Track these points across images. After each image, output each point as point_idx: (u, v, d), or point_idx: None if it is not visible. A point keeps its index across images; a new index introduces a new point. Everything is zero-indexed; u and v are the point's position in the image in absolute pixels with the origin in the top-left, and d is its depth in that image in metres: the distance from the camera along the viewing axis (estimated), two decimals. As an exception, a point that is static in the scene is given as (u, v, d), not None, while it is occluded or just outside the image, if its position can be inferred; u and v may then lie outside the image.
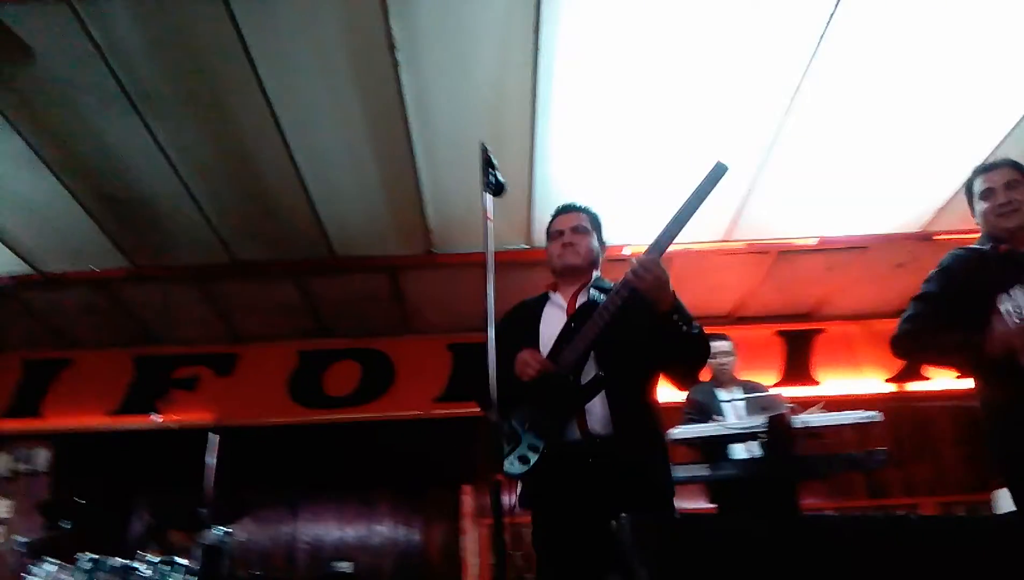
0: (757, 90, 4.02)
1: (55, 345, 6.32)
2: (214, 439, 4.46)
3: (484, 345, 2.14)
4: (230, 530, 4.37)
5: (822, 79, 3.93)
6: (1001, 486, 4.69)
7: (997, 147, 4.40)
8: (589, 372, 2.27)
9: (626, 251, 5.16)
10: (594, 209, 2.65)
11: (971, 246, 2.63)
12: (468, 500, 5.83)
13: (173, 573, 3.83)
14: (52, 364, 6.39)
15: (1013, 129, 4.31)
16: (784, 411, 3.62)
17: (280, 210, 4.78)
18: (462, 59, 3.77)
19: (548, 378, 2.25)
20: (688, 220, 2.20)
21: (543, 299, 2.59)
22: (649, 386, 2.40)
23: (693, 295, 6.11)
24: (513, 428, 2.31)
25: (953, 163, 4.54)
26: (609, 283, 2.47)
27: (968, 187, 2.73)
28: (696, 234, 5.03)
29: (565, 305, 2.50)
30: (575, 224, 2.56)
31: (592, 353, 2.28)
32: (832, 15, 3.58)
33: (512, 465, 2.27)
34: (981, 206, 2.63)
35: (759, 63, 3.86)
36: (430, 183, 4.58)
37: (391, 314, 6.11)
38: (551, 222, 2.65)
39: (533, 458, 2.24)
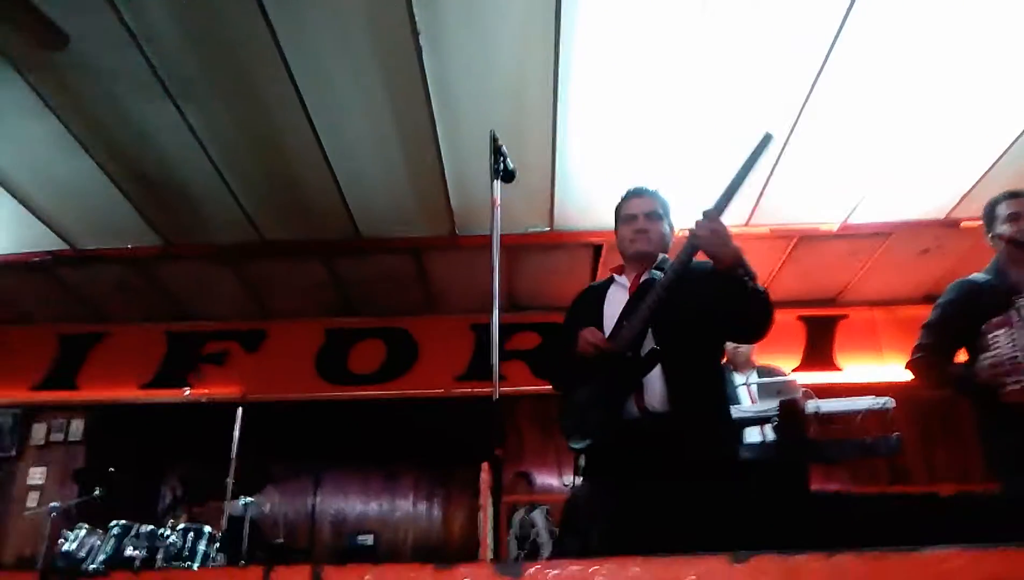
0: (778, 75, 4.01)
1: (90, 320, 6.52)
2: (241, 413, 4.60)
3: (560, 329, 2.37)
4: (255, 500, 4.52)
5: (844, 64, 3.92)
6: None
7: (1022, 134, 4.36)
8: (647, 348, 2.29)
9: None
10: (664, 194, 2.63)
11: (973, 278, 2.74)
12: (486, 478, 5.93)
13: (199, 540, 3.97)
14: (87, 338, 6.59)
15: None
16: (797, 396, 3.65)
17: (308, 193, 4.89)
18: (484, 44, 3.81)
19: (607, 356, 2.29)
20: (739, 188, 2.23)
21: (609, 282, 2.62)
22: (709, 359, 2.43)
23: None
24: (576, 404, 2.38)
25: (978, 150, 4.53)
26: (671, 262, 2.45)
27: (992, 207, 2.79)
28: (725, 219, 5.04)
29: (628, 285, 2.52)
30: (649, 209, 2.54)
31: (650, 329, 2.30)
32: (853, 2, 3.57)
33: (575, 440, 2.35)
34: (1004, 229, 2.71)
35: (780, 47, 3.85)
36: (453, 166, 4.65)
37: (415, 294, 6.21)
38: (621, 205, 2.63)
39: (594, 434, 2.30)
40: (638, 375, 2.27)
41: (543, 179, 4.75)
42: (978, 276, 2.77)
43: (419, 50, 3.80)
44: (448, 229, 5.29)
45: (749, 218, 5.17)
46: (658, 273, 2.43)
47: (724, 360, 4.37)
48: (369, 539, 5.51)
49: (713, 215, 2.20)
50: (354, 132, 4.40)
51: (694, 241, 2.22)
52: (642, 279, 2.48)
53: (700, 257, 2.27)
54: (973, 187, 4.77)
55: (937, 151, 4.55)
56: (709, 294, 2.26)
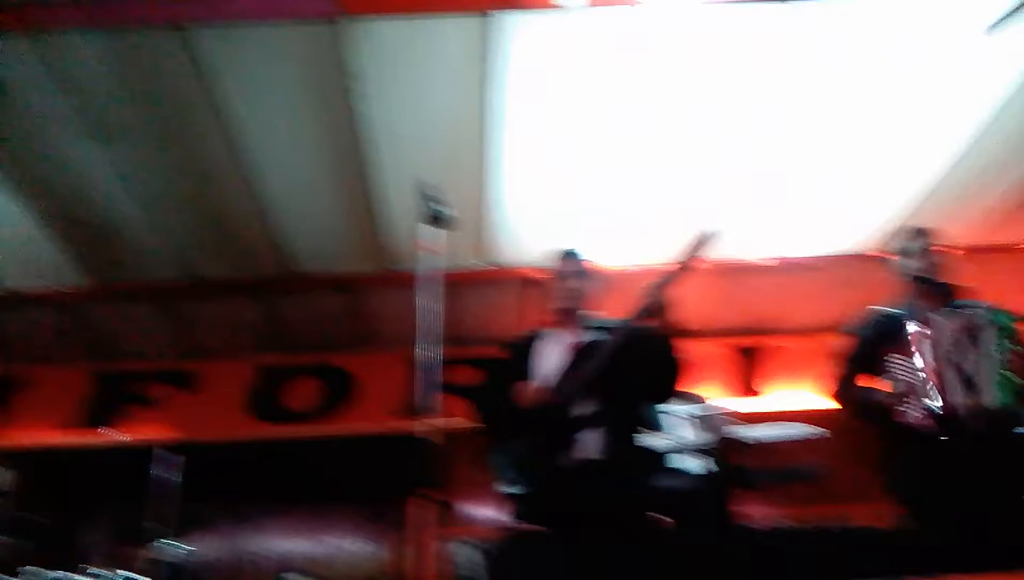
0: (705, 122, 4.18)
1: (14, 361, 6.27)
2: (170, 455, 4.50)
3: (496, 378, 2.66)
4: (186, 545, 4.39)
5: (775, 110, 4.12)
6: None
7: (943, 179, 4.62)
8: (586, 405, 2.53)
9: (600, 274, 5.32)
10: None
11: (886, 309, 3.00)
12: (425, 515, 5.87)
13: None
14: (10, 381, 6.34)
15: (959, 161, 4.52)
16: (727, 425, 3.76)
17: (238, 231, 4.86)
18: (415, 85, 3.88)
19: (548, 408, 2.53)
20: (685, 269, 2.47)
21: (539, 336, 2.83)
22: (640, 414, 2.75)
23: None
24: (515, 451, 2.59)
25: (900, 191, 4.79)
26: (604, 321, 2.74)
27: (903, 244, 3.05)
28: (654, 255, 5.17)
29: (566, 343, 2.72)
30: (572, 270, 2.82)
31: (590, 388, 2.53)
32: (777, 50, 3.76)
33: (510, 485, 2.57)
34: (913, 264, 2.95)
35: (711, 88, 4.01)
36: (385, 202, 4.67)
37: (349, 330, 6.16)
38: (553, 267, 2.88)
39: (530, 480, 2.53)
40: (579, 430, 2.51)
41: (473, 216, 4.80)
42: (892, 308, 2.97)
43: (350, 92, 3.84)
44: (381, 265, 5.28)
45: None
46: (594, 332, 2.67)
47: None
48: (303, 580, 5.39)
49: (660, 290, 2.45)
50: (285, 171, 4.41)
51: (643, 309, 2.47)
52: (579, 338, 2.70)
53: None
54: (895, 223, 4.99)
55: (863, 190, 4.79)
56: (644, 360, 2.53)
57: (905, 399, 2.71)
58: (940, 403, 2.64)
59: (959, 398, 2.64)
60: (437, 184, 4.20)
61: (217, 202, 4.59)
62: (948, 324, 2.74)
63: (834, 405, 6.43)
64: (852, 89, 4.02)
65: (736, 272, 5.59)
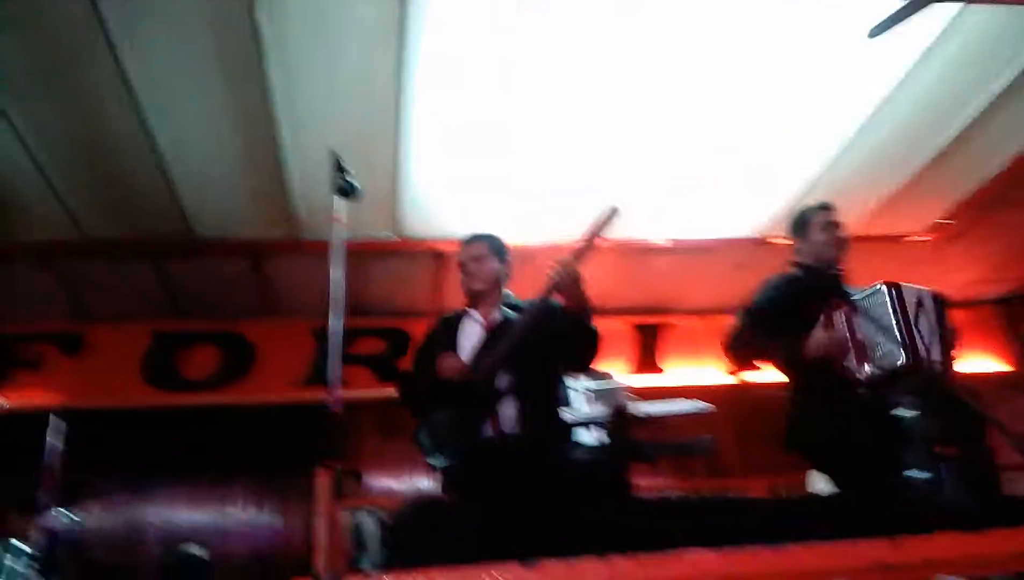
0: (613, 102, 4.27)
1: None
2: (57, 421, 4.34)
3: (419, 357, 2.80)
4: (74, 514, 4.27)
5: (670, 98, 4.25)
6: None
7: (826, 170, 4.88)
8: (503, 380, 2.66)
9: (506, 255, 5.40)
10: (496, 235, 3.03)
11: (792, 273, 3.17)
12: (323, 485, 5.86)
13: (10, 556, 3.74)
14: None
15: (843, 153, 4.78)
16: (623, 400, 3.91)
17: (137, 191, 4.65)
18: (329, 53, 3.80)
19: (467, 383, 2.65)
20: (591, 246, 2.58)
21: (461, 315, 2.96)
22: (553, 386, 2.88)
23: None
24: (436, 425, 2.69)
25: (787, 179, 5.03)
26: (518, 300, 2.88)
27: (804, 218, 3.22)
28: (564, 234, 5.28)
29: (482, 321, 2.88)
30: (475, 253, 2.93)
31: (506, 363, 2.64)
32: (676, 39, 3.87)
33: (434, 458, 2.68)
34: (821, 236, 3.13)
35: (614, 76, 4.09)
36: (296, 170, 4.57)
37: (252, 297, 6.04)
38: (459, 253, 3.01)
39: (451, 453, 2.65)
40: (496, 404, 2.64)
41: (387, 187, 4.77)
42: (798, 271, 3.19)
43: (261, 56, 3.74)
44: (289, 232, 5.19)
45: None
46: (509, 312, 2.82)
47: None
48: (199, 551, 5.29)
49: (571, 264, 2.54)
50: (190, 133, 4.25)
51: (553, 285, 2.56)
52: (495, 317, 2.85)
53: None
54: (783, 210, 5.25)
55: (754, 178, 5.01)
56: (557, 333, 2.65)
57: (846, 354, 2.82)
58: (902, 360, 2.74)
59: (923, 356, 2.77)
60: (348, 155, 4.22)
61: (115, 161, 4.39)
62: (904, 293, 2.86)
63: (731, 381, 6.77)
64: (746, 80, 4.18)
65: (636, 252, 5.77)
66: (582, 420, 4.05)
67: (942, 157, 4.90)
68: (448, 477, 2.76)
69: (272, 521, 5.98)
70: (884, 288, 2.86)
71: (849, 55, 3.95)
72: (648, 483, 6.10)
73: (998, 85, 4.32)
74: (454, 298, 3.22)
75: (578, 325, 2.64)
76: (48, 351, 6.07)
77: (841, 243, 3.17)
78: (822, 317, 2.88)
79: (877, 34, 3.02)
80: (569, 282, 2.55)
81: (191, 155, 4.43)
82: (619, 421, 3.82)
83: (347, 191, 2.19)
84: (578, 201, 4.94)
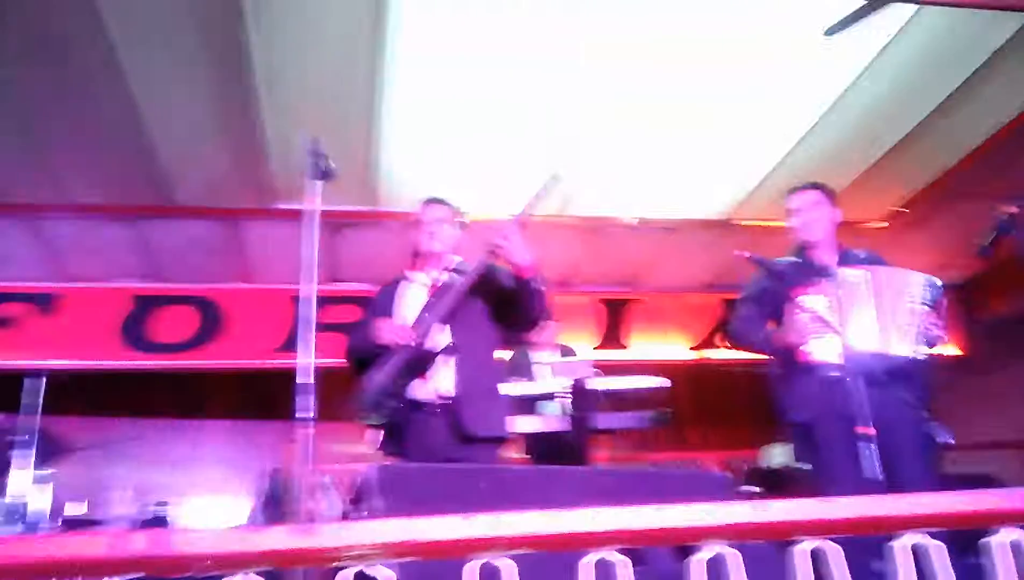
0: (582, 83, 4.40)
1: None
2: (33, 381, 4.43)
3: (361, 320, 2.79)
4: (49, 471, 4.38)
5: (640, 81, 4.37)
6: (770, 442, 5.47)
7: (789, 152, 5.05)
8: (443, 341, 2.69)
9: (464, 219, 5.49)
10: (453, 201, 3.05)
11: (779, 259, 3.13)
12: (297, 447, 6.00)
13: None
14: None
15: (804, 137, 4.95)
16: (586, 374, 4.08)
17: (118, 155, 4.72)
18: (310, 20, 3.86)
19: (407, 344, 2.64)
20: (532, 212, 2.68)
21: (399, 280, 2.98)
22: (493, 350, 2.89)
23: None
24: (374, 385, 2.70)
25: (751, 163, 5.19)
26: (462, 263, 2.90)
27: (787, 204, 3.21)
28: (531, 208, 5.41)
29: (428, 283, 2.89)
30: (437, 215, 2.95)
31: (446, 324, 2.69)
32: (648, 24, 3.99)
33: (369, 417, 2.72)
34: (790, 222, 3.15)
35: (584, 59, 4.22)
36: (275, 138, 4.64)
37: (230, 263, 6.13)
38: (418, 213, 3.01)
39: (390, 412, 2.67)
40: (434, 364, 2.68)
41: (365, 158, 4.87)
42: (783, 259, 3.17)
43: (244, 29, 3.81)
44: (267, 200, 5.28)
45: (560, 209, 5.56)
46: (455, 275, 2.81)
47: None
48: (170, 510, 5.42)
49: (513, 227, 2.59)
50: (171, 98, 4.31)
51: (495, 248, 2.60)
52: (439, 280, 2.85)
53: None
54: (748, 194, 5.44)
55: (719, 161, 5.16)
56: (499, 295, 2.71)
57: (808, 334, 2.86)
58: (842, 348, 2.73)
59: (868, 344, 2.78)
60: (325, 122, 4.30)
61: (95, 124, 4.44)
62: (875, 275, 2.90)
63: (694, 357, 6.97)
64: (711, 67, 4.31)
65: (604, 229, 5.93)
66: (544, 393, 4.23)
67: (900, 148, 5.09)
68: (386, 437, 2.78)
69: (244, 482, 6.11)
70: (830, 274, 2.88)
71: (811, 47, 4.08)
72: (610, 455, 6.33)
73: (954, 82, 4.49)
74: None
75: (523, 284, 2.66)
76: (24, 309, 6.13)
77: (810, 226, 3.12)
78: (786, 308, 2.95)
79: (834, 33, 3.15)
80: (511, 246, 2.59)
81: (169, 119, 4.48)
82: (580, 395, 3.99)
83: (324, 174, 2.30)
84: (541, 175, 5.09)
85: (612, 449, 6.29)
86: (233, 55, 4.00)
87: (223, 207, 5.35)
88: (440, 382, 2.69)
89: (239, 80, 4.16)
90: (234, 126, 4.55)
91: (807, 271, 2.98)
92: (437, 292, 2.81)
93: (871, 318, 2.84)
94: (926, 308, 2.93)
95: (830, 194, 3.18)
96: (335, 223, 5.49)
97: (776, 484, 5.08)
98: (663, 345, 6.99)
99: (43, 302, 6.17)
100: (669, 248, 6.26)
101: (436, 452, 2.59)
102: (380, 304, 2.94)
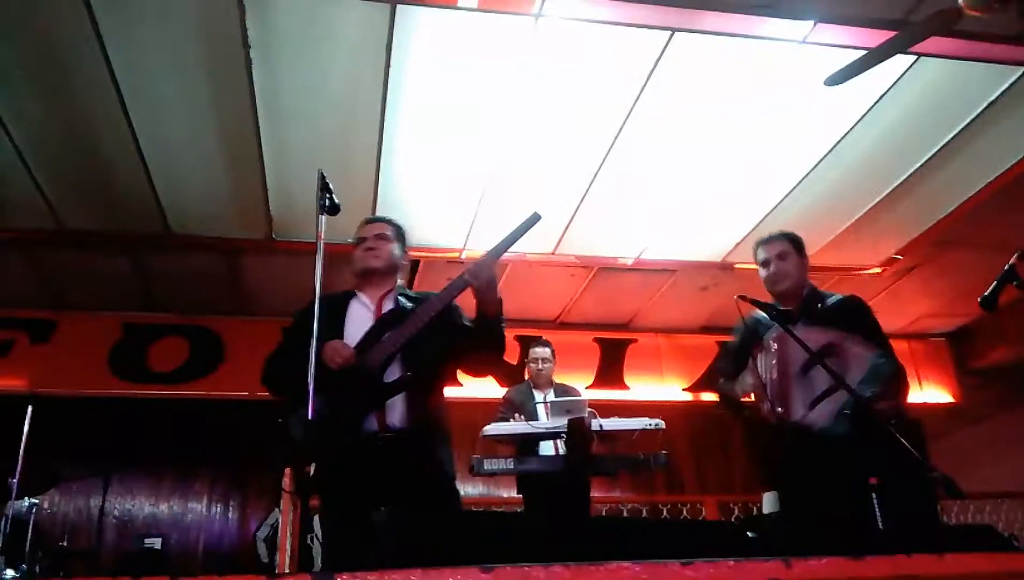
0: (583, 129, 4.48)
1: None
2: (26, 408, 4.38)
3: (289, 335, 2.55)
4: (37, 501, 4.31)
5: (641, 126, 4.44)
6: (769, 488, 5.43)
7: (786, 196, 5.10)
8: (394, 372, 2.46)
9: (464, 255, 5.52)
10: (400, 221, 2.87)
11: (757, 314, 3.03)
12: (288, 483, 5.95)
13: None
14: None
15: (799, 182, 5.01)
16: (583, 415, 4.05)
17: (118, 185, 4.73)
18: (316, 60, 3.91)
19: (355, 372, 2.41)
20: (506, 249, 2.54)
21: (347, 297, 2.73)
22: (442, 385, 2.67)
23: (522, 301, 6.56)
24: (311, 415, 2.32)
25: (749, 207, 5.24)
26: (413, 293, 2.75)
27: (755, 254, 3.13)
28: (528, 246, 5.45)
29: (372, 307, 2.66)
30: (378, 232, 2.77)
31: (400, 355, 2.48)
32: (649, 75, 4.07)
33: (307, 449, 2.33)
34: (760, 273, 3.07)
35: (586, 107, 4.30)
36: (275, 172, 4.69)
37: (225, 294, 6.13)
38: (357, 230, 2.83)
39: (333, 446, 2.38)
40: (388, 396, 2.45)
41: (367, 193, 4.89)
42: (761, 312, 3.03)
43: (249, 61, 3.85)
44: (266, 232, 5.29)
45: (556, 247, 5.60)
46: (404, 301, 2.66)
47: (527, 377, 4.75)
48: (157, 542, 5.34)
49: (487, 264, 2.47)
50: (173, 130, 4.34)
51: (465, 283, 2.46)
52: (387, 304, 2.66)
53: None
54: (745, 237, 5.47)
55: (717, 205, 5.21)
56: (460, 331, 2.55)
57: (758, 395, 2.89)
58: (779, 410, 2.79)
59: (794, 411, 2.78)
60: (328, 160, 4.33)
61: (97, 155, 4.46)
62: (806, 337, 2.74)
63: (689, 398, 6.94)
64: (713, 115, 4.41)
65: (603, 270, 5.98)
66: (541, 432, 4.20)
67: (895, 196, 5.16)
68: (320, 472, 2.41)
69: (233, 515, 6.04)
70: (772, 335, 2.88)
71: (812, 96, 4.16)
72: (606, 496, 6.28)
73: (949, 132, 4.57)
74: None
75: (488, 326, 2.52)
76: (18, 337, 6.09)
77: (774, 278, 3.00)
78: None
79: (834, 83, 3.18)
80: (483, 282, 2.45)
81: (172, 152, 4.51)
82: (577, 435, 3.96)
83: (330, 210, 2.30)
84: (552, 220, 5.14)
85: (609, 491, 6.26)
86: (238, 89, 4.04)
87: (221, 237, 5.34)
88: (391, 415, 2.47)
89: (243, 114, 4.20)
90: (235, 158, 4.58)
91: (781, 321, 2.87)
92: (385, 319, 2.60)
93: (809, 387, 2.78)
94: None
95: (796, 243, 3.09)
96: (330, 256, 5.46)
97: (772, 531, 5.04)
98: (658, 386, 6.98)
99: (38, 329, 6.13)
100: (668, 289, 6.30)
101: (380, 491, 2.37)
102: (325, 318, 2.41)
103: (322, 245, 2.21)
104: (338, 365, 2.40)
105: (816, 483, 2.73)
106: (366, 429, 2.43)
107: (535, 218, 2.56)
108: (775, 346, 2.88)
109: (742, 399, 3.02)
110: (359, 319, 2.62)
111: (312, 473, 2.37)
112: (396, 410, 2.47)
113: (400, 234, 2.82)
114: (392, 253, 2.74)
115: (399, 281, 2.77)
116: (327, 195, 2.29)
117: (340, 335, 2.54)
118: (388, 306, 2.64)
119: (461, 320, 2.58)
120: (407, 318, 2.49)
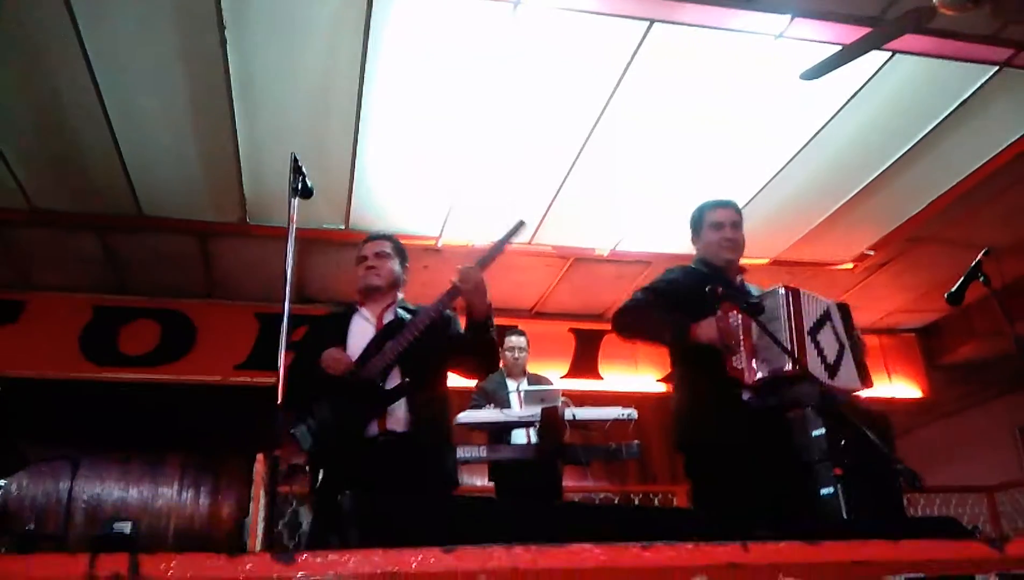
0: (560, 119, 4.47)
1: None
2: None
3: (300, 349, 2.70)
4: (4, 483, 4.26)
5: (618, 117, 4.45)
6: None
7: (760, 190, 5.14)
8: (393, 379, 2.61)
9: (440, 243, 5.51)
10: (398, 239, 3.01)
11: (693, 266, 2.98)
12: (260, 469, 5.90)
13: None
14: None
15: (774, 176, 5.05)
16: (557, 404, 4.08)
17: (88, 165, 4.65)
18: (291, 44, 3.86)
19: (356, 380, 2.58)
20: (495, 256, 2.64)
21: (350, 312, 2.89)
22: (443, 391, 2.81)
23: (499, 290, 6.56)
24: (315, 420, 2.61)
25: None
26: (412, 306, 2.87)
27: (699, 214, 3.02)
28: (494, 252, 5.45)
29: (373, 320, 2.82)
30: (378, 250, 2.90)
31: (398, 363, 2.61)
32: (627, 66, 4.07)
33: (314, 452, 2.59)
34: (709, 236, 2.94)
35: (564, 96, 4.30)
36: (249, 156, 4.63)
37: (197, 278, 6.07)
38: (359, 249, 2.96)
39: (335, 449, 2.56)
40: (388, 403, 2.59)
41: (343, 179, 4.86)
42: (696, 266, 2.97)
43: (224, 41, 3.80)
44: (239, 216, 5.24)
45: (533, 237, 5.60)
46: (403, 312, 2.79)
47: (501, 365, 4.76)
48: (127, 527, 5.29)
49: (476, 270, 2.57)
50: (146, 110, 4.26)
51: (456, 291, 2.59)
52: (387, 317, 2.81)
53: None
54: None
55: (693, 197, 5.18)
56: (454, 337, 2.72)
57: (733, 351, 2.63)
58: (787, 366, 2.52)
59: (816, 367, 2.60)
60: (303, 144, 4.30)
61: (68, 134, 4.38)
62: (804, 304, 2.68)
63: (663, 389, 6.94)
64: (688, 109, 4.44)
65: (578, 261, 5.99)
66: (513, 421, 4.22)
67: (868, 192, 5.22)
68: (327, 475, 2.58)
69: (204, 500, 6.00)
70: (781, 291, 2.69)
71: (788, 90, 4.19)
72: (578, 485, 6.31)
73: (922, 130, 4.62)
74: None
75: (479, 332, 2.65)
76: None
77: (730, 244, 2.92)
78: (718, 310, 2.67)
79: (809, 78, 3.21)
80: (472, 289, 2.57)
81: (145, 134, 4.44)
82: (550, 424, 3.98)
83: (303, 193, 2.29)
84: (527, 210, 5.13)
85: (581, 480, 6.29)
86: (212, 72, 3.98)
87: (193, 220, 5.28)
88: (392, 420, 2.60)
89: (217, 97, 4.15)
90: (208, 142, 4.52)
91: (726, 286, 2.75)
92: (385, 331, 2.72)
93: (790, 337, 2.60)
94: (851, 335, 2.78)
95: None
96: (304, 241, 5.45)
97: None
98: (632, 376, 7.01)
99: (5, 310, 6.03)
100: (641, 281, 6.31)
101: (381, 491, 2.41)
102: (327, 337, 2.77)
103: (294, 228, 2.19)
104: (339, 372, 2.58)
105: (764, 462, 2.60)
106: (368, 434, 2.58)
107: (520, 225, 2.65)
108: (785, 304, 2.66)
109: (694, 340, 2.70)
110: (361, 332, 2.77)
111: (322, 475, 2.57)
112: (397, 415, 2.61)
113: (400, 250, 2.96)
114: (392, 270, 2.88)
115: (400, 295, 2.90)
116: (300, 177, 2.28)
117: (344, 348, 2.71)
118: (388, 318, 2.79)
119: (456, 329, 2.76)
120: (405, 328, 2.63)
